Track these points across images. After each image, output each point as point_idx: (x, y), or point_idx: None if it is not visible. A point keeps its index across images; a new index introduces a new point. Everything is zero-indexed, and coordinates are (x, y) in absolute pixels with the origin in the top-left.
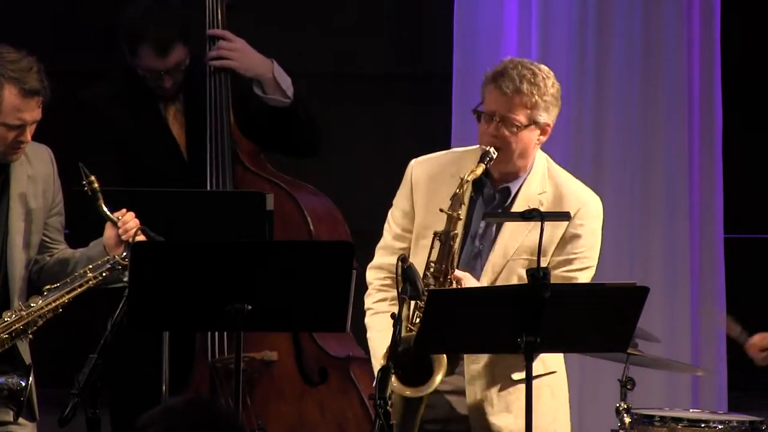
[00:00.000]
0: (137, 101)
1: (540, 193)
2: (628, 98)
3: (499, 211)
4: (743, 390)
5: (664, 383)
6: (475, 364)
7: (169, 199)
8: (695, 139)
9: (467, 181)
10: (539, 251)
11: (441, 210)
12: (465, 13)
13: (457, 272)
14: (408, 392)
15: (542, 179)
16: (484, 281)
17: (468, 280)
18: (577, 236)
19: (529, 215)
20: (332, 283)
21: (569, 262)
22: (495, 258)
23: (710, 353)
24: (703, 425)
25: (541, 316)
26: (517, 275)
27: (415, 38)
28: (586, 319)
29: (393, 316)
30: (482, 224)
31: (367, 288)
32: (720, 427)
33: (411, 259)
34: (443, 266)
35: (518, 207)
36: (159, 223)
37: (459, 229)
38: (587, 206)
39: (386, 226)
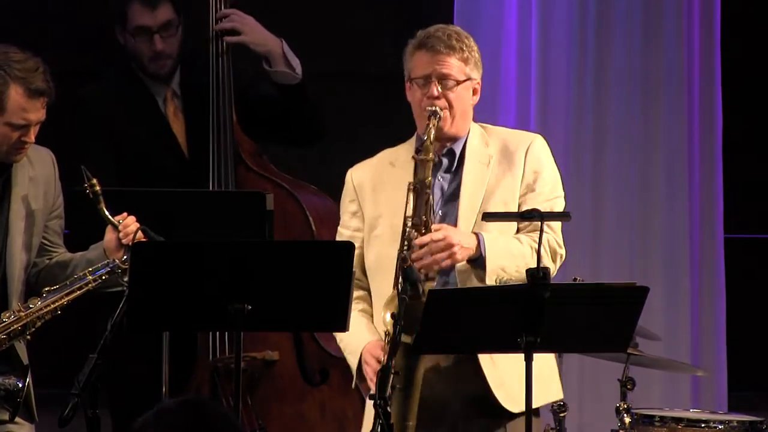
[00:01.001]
0: (136, 98)
1: (485, 148)
2: (628, 98)
3: (497, 211)
4: (743, 390)
5: (664, 383)
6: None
7: (169, 199)
8: (695, 140)
9: (434, 125)
10: (539, 250)
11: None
12: (465, 13)
13: (436, 225)
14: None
15: (481, 137)
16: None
17: (446, 228)
18: (537, 172)
19: (529, 215)
20: (332, 283)
21: (540, 195)
22: (464, 215)
23: (710, 353)
24: (703, 425)
25: (541, 316)
26: (495, 226)
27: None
28: (586, 319)
29: (393, 316)
30: (437, 189)
31: None
32: (720, 427)
33: (366, 251)
34: (423, 218)
35: (468, 164)
36: (159, 223)
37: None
38: (534, 144)
39: (337, 237)
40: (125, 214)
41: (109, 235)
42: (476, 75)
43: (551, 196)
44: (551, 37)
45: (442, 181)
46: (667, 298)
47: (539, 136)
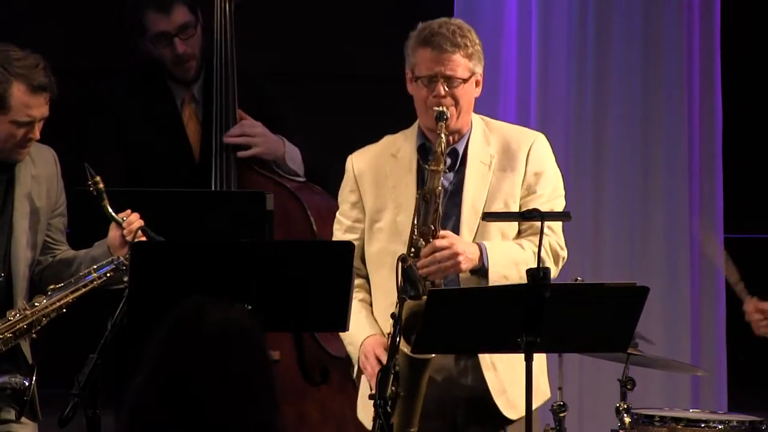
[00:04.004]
0: (154, 97)
1: (487, 147)
2: (628, 98)
3: (498, 212)
4: (743, 390)
5: (664, 383)
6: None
7: (169, 199)
8: (695, 139)
9: (445, 134)
10: (539, 251)
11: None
12: (464, 13)
13: (442, 231)
14: (432, 355)
15: (483, 135)
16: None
17: (452, 237)
18: (539, 173)
19: (530, 215)
20: (332, 283)
21: (542, 196)
22: (467, 217)
23: (710, 353)
24: (703, 425)
25: (541, 316)
26: (497, 228)
27: None
28: (586, 319)
29: (393, 316)
30: (440, 188)
31: None
32: (720, 427)
33: (368, 244)
34: (431, 226)
35: (471, 166)
36: (159, 223)
37: (440, 185)
38: (536, 143)
39: (335, 225)
40: (129, 211)
41: (113, 232)
42: (479, 68)
43: (553, 197)
44: (551, 36)
45: (443, 179)
46: (667, 298)
47: (541, 134)
